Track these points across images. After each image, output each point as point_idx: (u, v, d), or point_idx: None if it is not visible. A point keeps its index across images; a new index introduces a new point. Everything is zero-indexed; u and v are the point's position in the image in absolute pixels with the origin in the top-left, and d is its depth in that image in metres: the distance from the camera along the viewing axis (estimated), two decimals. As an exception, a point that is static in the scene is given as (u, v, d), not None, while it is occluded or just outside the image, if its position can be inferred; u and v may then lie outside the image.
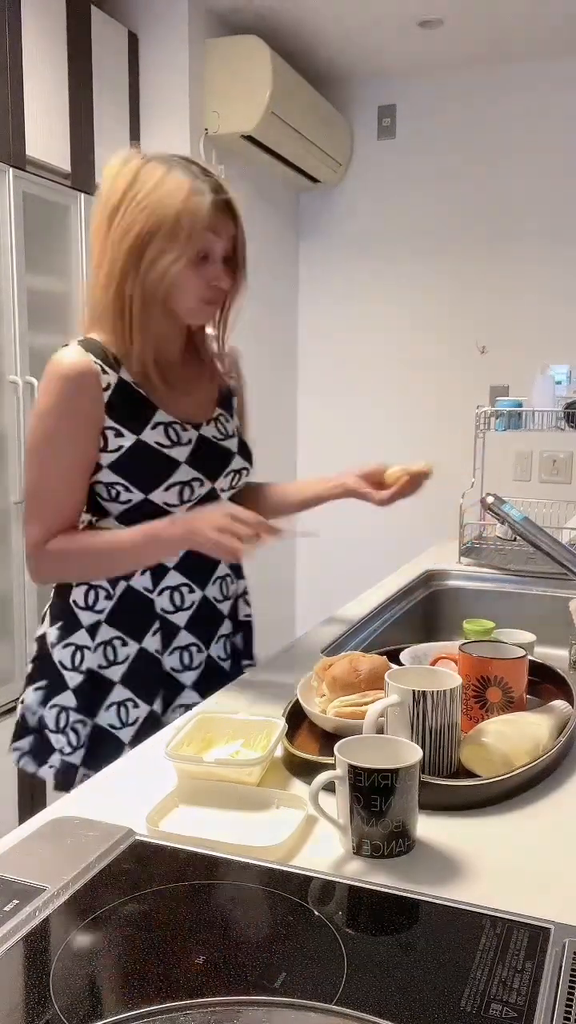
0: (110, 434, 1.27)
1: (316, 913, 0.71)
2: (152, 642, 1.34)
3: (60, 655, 1.35)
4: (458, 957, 0.65)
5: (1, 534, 2.37)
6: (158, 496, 1.29)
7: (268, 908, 0.72)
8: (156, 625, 1.34)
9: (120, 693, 1.34)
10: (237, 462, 1.40)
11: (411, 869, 0.80)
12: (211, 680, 1.38)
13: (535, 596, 1.90)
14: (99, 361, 1.27)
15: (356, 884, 0.76)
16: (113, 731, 1.34)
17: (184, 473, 1.31)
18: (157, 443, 1.29)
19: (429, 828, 0.87)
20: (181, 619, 1.36)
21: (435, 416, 3.64)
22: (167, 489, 1.29)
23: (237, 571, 1.47)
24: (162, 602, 1.34)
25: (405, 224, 3.62)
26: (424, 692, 0.95)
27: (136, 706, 1.34)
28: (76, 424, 1.26)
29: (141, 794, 0.95)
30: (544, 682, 1.24)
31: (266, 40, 2.94)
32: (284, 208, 3.65)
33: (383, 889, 0.75)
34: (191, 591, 1.36)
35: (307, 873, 0.77)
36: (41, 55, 2.39)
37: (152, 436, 1.29)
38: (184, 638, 1.37)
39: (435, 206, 3.56)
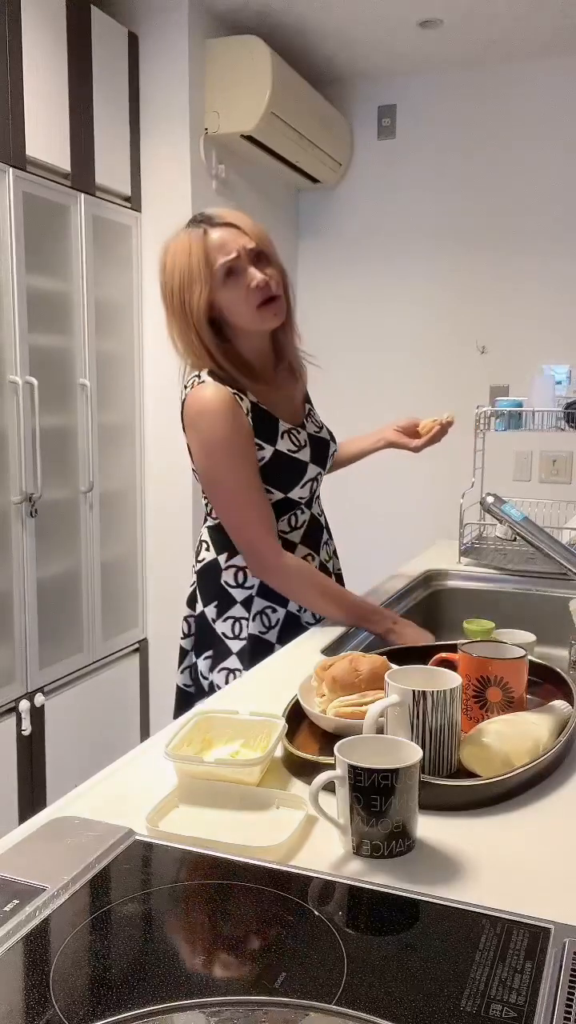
0: (255, 449, 1.50)
1: (316, 913, 0.71)
2: (293, 605, 1.58)
3: (222, 628, 1.58)
4: (458, 957, 0.65)
5: (1, 534, 2.37)
6: (294, 493, 1.55)
7: (268, 908, 0.72)
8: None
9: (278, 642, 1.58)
10: (332, 447, 1.66)
11: (411, 869, 0.80)
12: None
13: (535, 596, 1.90)
14: (232, 389, 1.46)
15: (356, 884, 0.76)
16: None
17: (311, 471, 1.57)
18: (288, 450, 1.53)
19: (429, 828, 0.87)
20: None
21: (435, 415, 3.64)
22: (302, 487, 1.56)
23: (328, 531, 1.71)
24: None
25: (405, 224, 3.62)
26: (424, 692, 0.95)
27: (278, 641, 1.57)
28: (246, 441, 1.47)
29: (141, 794, 0.95)
30: (544, 682, 1.24)
31: (266, 40, 2.94)
32: (284, 208, 3.65)
33: (383, 889, 0.75)
34: (313, 559, 1.62)
35: (307, 873, 0.77)
36: (41, 55, 2.39)
37: (284, 445, 1.53)
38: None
39: (435, 206, 3.56)
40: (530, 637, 1.48)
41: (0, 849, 0.81)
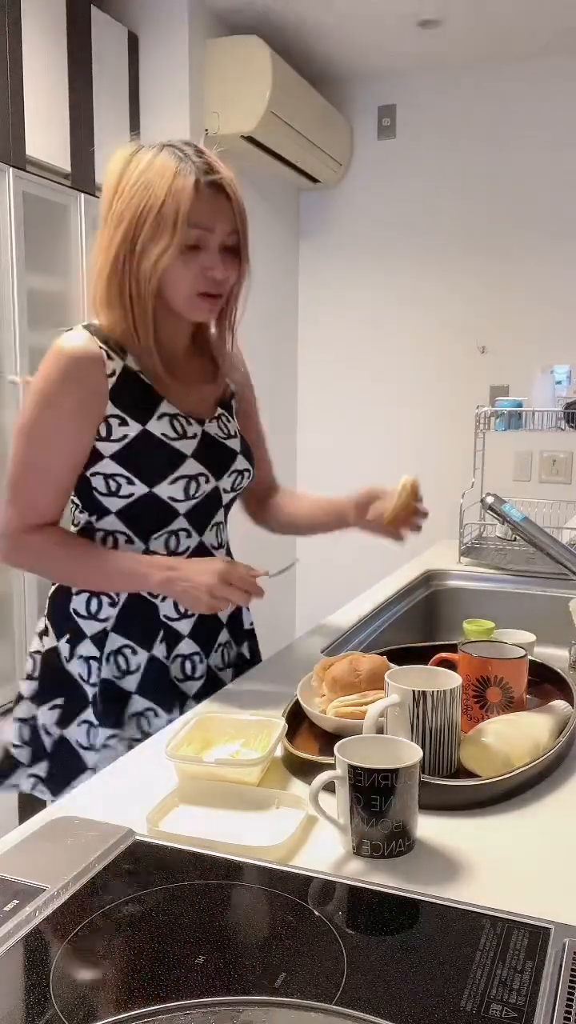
0: (114, 422, 1.22)
1: (316, 913, 0.71)
2: (160, 649, 1.29)
3: (75, 667, 1.29)
4: (458, 957, 0.65)
5: (1, 534, 2.37)
6: (163, 490, 1.24)
7: (268, 908, 0.72)
8: (161, 633, 1.29)
9: (139, 703, 1.29)
10: (240, 462, 1.35)
11: (411, 869, 0.80)
12: (212, 691, 1.32)
13: (535, 596, 1.90)
14: (104, 346, 1.22)
15: (356, 884, 0.76)
16: (135, 742, 1.26)
17: (191, 467, 1.26)
18: (163, 434, 1.24)
19: (429, 828, 0.87)
20: (185, 627, 1.31)
21: (435, 416, 3.64)
22: (173, 483, 1.24)
23: None
24: (166, 608, 1.30)
25: (405, 224, 3.62)
26: (424, 692, 0.95)
27: (157, 716, 1.29)
28: (70, 411, 1.20)
29: (141, 794, 0.95)
30: (544, 682, 1.24)
31: (266, 40, 2.94)
32: (284, 208, 3.65)
33: (383, 889, 0.75)
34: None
35: (307, 873, 0.77)
36: (41, 55, 2.39)
37: (158, 427, 1.24)
38: (188, 646, 1.32)
39: (435, 206, 3.56)
40: (530, 637, 1.48)
41: (0, 849, 0.81)
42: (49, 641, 1.32)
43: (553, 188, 3.38)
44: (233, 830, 0.87)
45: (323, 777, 0.84)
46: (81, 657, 1.29)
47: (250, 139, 2.97)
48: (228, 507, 1.39)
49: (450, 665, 1.12)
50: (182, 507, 1.27)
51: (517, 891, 0.77)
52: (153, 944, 0.67)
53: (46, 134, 2.42)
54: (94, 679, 1.28)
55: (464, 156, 3.49)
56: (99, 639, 1.28)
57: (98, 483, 1.25)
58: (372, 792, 0.80)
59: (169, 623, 1.30)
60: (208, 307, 1.24)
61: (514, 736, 0.98)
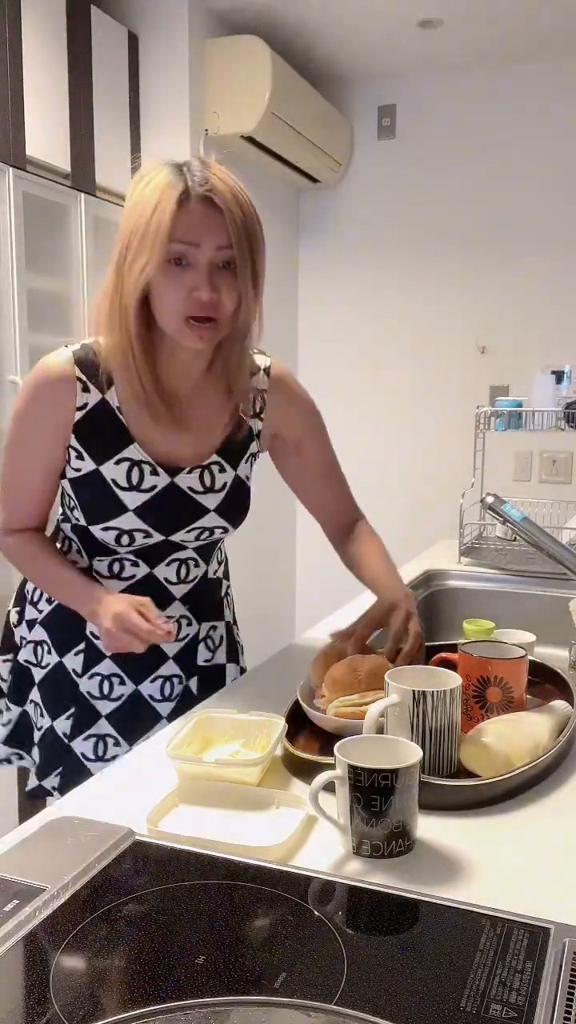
0: (72, 453, 1.22)
1: (316, 913, 0.71)
2: (73, 661, 1.32)
3: (21, 632, 1.39)
4: (458, 957, 0.65)
5: (1, 534, 2.37)
6: (97, 532, 1.24)
7: (268, 908, 0.72)
8: (81, 645, 1.31)
9: (35, 695, 1.36)
10: (210, 519, 1.27)
11: (411, 869, 0.80)
12: (134, 719, 1.33)
13: (535, 596, 1.90)
14: (83, 376, 1.19)
15: (356, 884, 0.76)
16: (35, 728, 1.37)
17: (127, 521, 1.22)
18: (113, 480, 1.21)
19: (429, 828, 0.87)
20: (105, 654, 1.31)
21: (435, 416, 3.64)
22: (105, 530, 1.23)
23: (211, 609, 1.39)
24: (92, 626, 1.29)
25: (405, 224, 3.62)
26: (424, 692, 0.95)
27: (43, 715, 1.34)
28: (40, 429, 1.22)
29: (141, 794, 0.95)
30: (544, 682, 1.24)
31: (266, 40, 2.94)
32: (284, 208, 3.65)
33: (383, 889, 0.75)
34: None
35: (307, 873, 0.77)
36: (41, 55, 2.39)
37: (112, 471, 1.21)
38: (107, 667, 1.31)
39: (435, 206, 3.56)
40: (530, 637, 1.48)
41: (0, 849, 0.81)
42: (13, 604, 1.43)
43: (553, 188, 3.38)
44: (233, 830, 0.87)
45: (323, 777, 0.84)
46: (23, 625, 1.39)
47: (250, 139, 2.97)
48: (209, 547, 1.34)
49: (450, 665, 1.12)
50: (120, 549, 1.27)
51: (517, 891, 0.77)
52: (153, 944, 0.67)
53: (46, 134, 2.42)
54: (11, 655, 1.40)
55: (464, 156, 3.49)
56: (31, 624, 1.36)
57: (61, 494, 1.30)
58: (372, 792, 0.80)
59: (93, 640, 1.31)
60: (199, 334, 1.13)
61: (514, 736, 0.98)
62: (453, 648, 1.19)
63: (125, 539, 1.24)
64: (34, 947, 0.67)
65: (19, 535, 1.30)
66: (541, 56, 3.30)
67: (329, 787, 0.84)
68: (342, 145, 3.53)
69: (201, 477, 1.26)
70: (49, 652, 1.33)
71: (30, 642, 1.36)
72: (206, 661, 1.39)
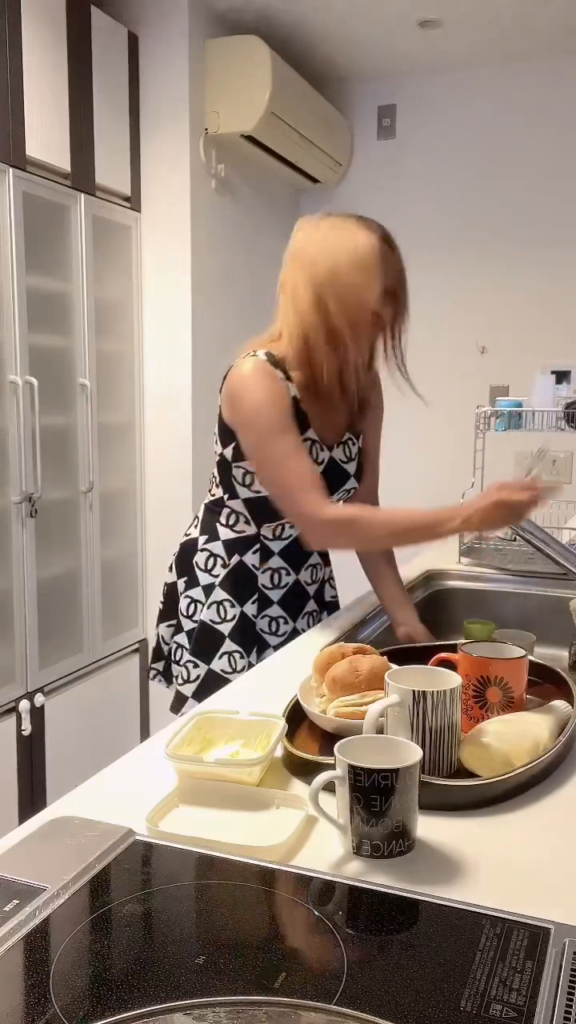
0: None
1: (316, 913, 0.71)
2: (249, 607, 1.59)
3: (183, 603, 1.63)
4: (458, 957, 0.65)
5: (2, 533, 2.37)
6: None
7: (268, 908, 0.72)
8: (256, 596, 1.59)
9: (228, 646, 1.58)
10: (351, 483, 1.62)
11: (411, 869, 0.80)
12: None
13: (535, 596, 1.90)
14: (281, 375, 1.45)
15: (356, 884, 0.76)
16: (224, 676, 1.56)
17: None
18: None
19: (429, 828, 0.87)
20: (276, 595, 1.61)
21: (435, 416, 3.64)
22: None
23: (325, 558, 1.70)
24: (264, 579, 1.59)
25: (405, 224, 3.62)
26: (424, 692, 0.95)
27: (242, 657, 1.58)
28: (286, 409, 1.43)
29: (141, 794, 0.95)
30: (544, 682, 1.24)
31: (266, 40, 2.94)
32: (284, 208, 3.65)
33: (383, 889, 0.75)
34: (288, 574, 1.61)
35: (307, 873, 0.77)
36: (41, 55, 2.39)
37: None
38: (275, 610, 1.61)
39: (435, 206, 3.56)
40: (530, 637, 1.48)
41: (0, 849, 0.81)
42: (172, 576, 1.68)
43: (553, 188, 3.38)
44: (233, 830, 0.87)
45: (323, 777, 0.84)
46: (188, 597, 1.62)
47: (250, 139, 2.97)
48: None
49: (450, 665, 1.12)
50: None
51: (517, 891, 0.77)
52: (153, 944, 0.67)
53: (46, 134, 2.42)
54: (196, 617, 1.60)
55: (464, 156, 3.49)
56: (208, 589, 1.59)
57: (238, 473, 1.52)
58: (372, 792, 0.80)
59: (265, 591, 1.60)
60: (366, 370, 1.56)
61: (514, 736, 0.98)
62: (453, 648, 1.19)
63: None
64: (34, 947, 0.67)
65: (333, 508, 1.40)
66: (541, 56, 3.30)
67: (329, 787, 0.84)
68: (342, 145, 3.53)
69: (344, 450, 1.59)
70: (232, 606, 1.58)
71: (213, 603, 1.58)
72: (332, 598, 1.74)
